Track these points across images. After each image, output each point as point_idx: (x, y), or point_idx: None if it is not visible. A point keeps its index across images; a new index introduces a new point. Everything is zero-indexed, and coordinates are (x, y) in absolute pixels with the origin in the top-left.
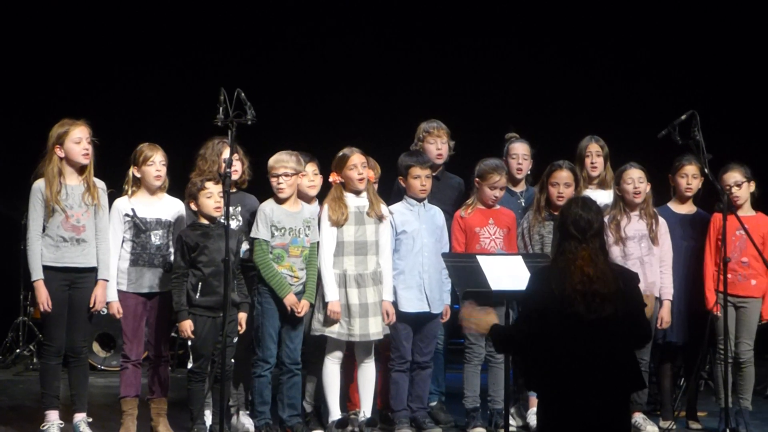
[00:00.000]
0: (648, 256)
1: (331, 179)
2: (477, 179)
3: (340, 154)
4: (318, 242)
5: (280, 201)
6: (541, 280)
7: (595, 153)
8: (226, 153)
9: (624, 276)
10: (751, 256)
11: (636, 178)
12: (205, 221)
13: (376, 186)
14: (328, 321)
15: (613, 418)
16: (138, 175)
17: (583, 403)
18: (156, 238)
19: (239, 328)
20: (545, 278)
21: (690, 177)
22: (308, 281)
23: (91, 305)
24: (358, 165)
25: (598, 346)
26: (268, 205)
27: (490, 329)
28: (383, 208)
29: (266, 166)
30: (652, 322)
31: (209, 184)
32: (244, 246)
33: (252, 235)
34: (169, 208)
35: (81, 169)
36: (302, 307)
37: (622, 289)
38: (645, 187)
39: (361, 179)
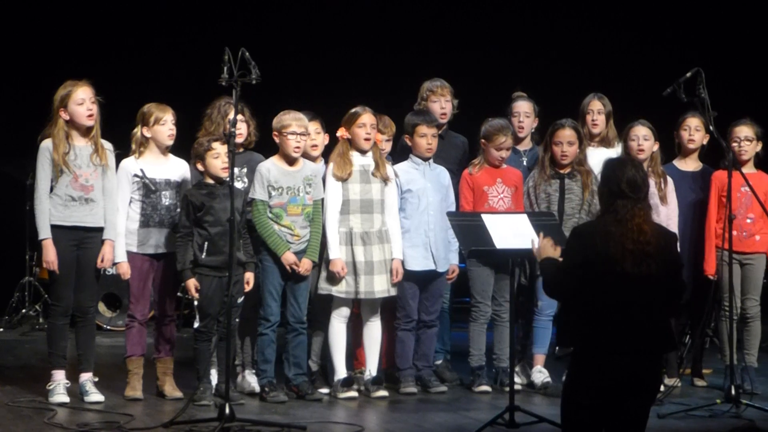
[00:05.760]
0: (655, 216)
1: (338, 134)
2: (483, 140)
3: (352, 110)
4: (322, 200)
5: (288, 159)
6: (583, 236)
7: (596, 110)
8: (231, 115)
9: (664, 236)
10: (756, 213)
11: (641, 135)
12: (211, 181)
13: (390, 145)
14: (333, 279)
15: (646, 375)
16: (147, 135)
17: (619, 360)
18: (165, 198)
19: (246, 286)
20: (588, 234)
21: (692, 129)
22: (311, 239)
23: (98, 264)
24: (367, 125)
25: (638, 304)
26: (265, 164)
27: (543, 259)
28: (389, 171)
29: (271, 125)
30: None
31: (216, 145)
32: None
33: (249, 195)
34: (176, 168)
35: (87, 130)
36: (303, 266)
37: (663, 248)
38: (650, 145)
39: (367, 139)
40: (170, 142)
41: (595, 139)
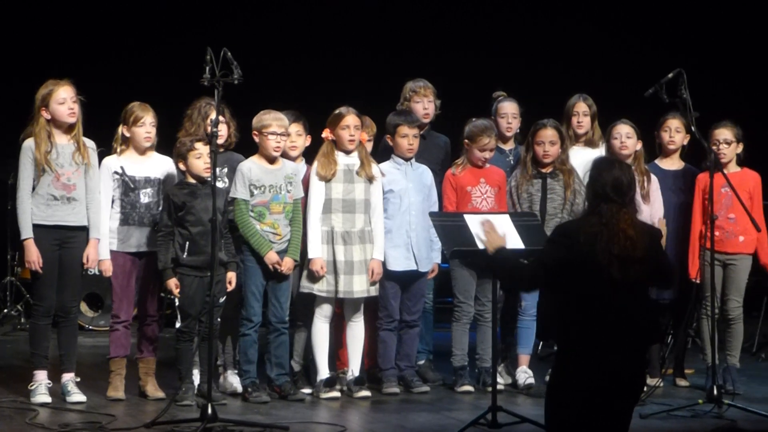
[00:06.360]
0: (638, 215)
1: (323, 135)
2: (466, 141)
3: (336, 111)
4: (302, 198)
5: (268, 159)
6: (569, 236)
7: (582, 112)
8: (213, 115)
9: (650, 234)
10: (738, 213)
11: (623, 134)
12: (192, 181)
13: (371, 145)
14: (314, 278)
15: (632, 374)
16: (127, 135)
17: (610, 359)
18: (145, 196)
19: (228, 286)
20: (574, 233)
21: (673, 131)
22: (292, 238)
23: (83, 264)
24: (351, 126)
25: (624, 306)
26: (246, 164)
27: (496, 250)
28: (374, 169)
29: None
30: None
31: (198, 145)
32: None
33: (231, 195)
34: (158, 166)
35: (69, 129)
36: (285, 265)
37: (649, 248)
38: (633, 143)
39: (351, 140)
40: (147, 144)
41: (580, 140)
